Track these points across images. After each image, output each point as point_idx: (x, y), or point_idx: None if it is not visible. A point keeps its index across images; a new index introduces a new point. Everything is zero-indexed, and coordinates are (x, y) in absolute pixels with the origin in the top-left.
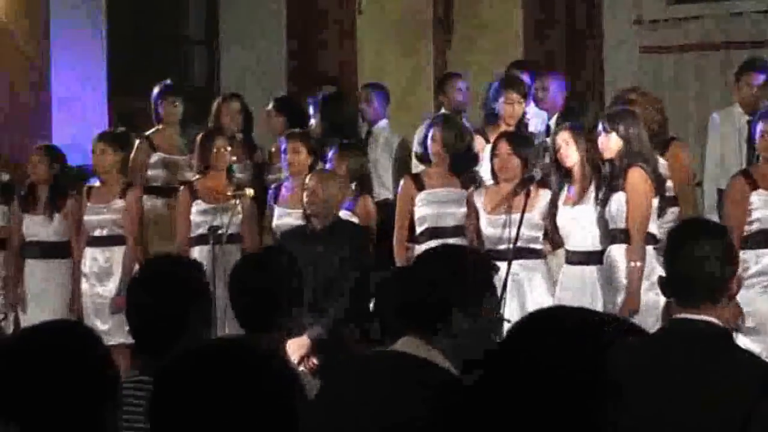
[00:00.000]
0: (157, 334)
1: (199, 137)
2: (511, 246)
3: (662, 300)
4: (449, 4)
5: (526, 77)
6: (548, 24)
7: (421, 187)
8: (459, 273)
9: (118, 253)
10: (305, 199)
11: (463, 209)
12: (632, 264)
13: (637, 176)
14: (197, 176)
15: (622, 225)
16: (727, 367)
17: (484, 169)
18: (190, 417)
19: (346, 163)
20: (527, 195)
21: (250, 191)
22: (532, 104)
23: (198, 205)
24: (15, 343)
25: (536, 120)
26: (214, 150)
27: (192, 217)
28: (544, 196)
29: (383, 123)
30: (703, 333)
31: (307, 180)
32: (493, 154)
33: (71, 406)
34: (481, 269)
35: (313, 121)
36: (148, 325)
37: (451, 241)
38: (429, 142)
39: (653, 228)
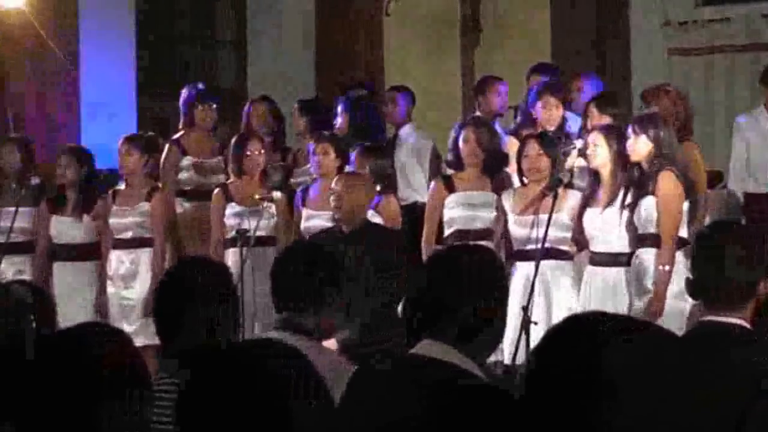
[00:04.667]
0: (159, 334)
1: (232, 140)
2: (539, 246)
3: (689, 307)
4: (477, 5)
5: (547, 80)
6: (576, 25)
7: (451, 189)
8: (454, 273)
9: (143, 255)
10: (332, 204)
11: (493, 213)
12: (661, 268)
13: (668, 180)
14: (232, 179)
15: (652, 229)
16: (722, 368)
17: (511, 171)
18: (184, 417)
19: (368, 164)
20: (555, 197)
21: (277, 194)
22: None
23: (232, 208)
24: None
25: (572, 123)
26: (247, 153)
27: (225, 219)
28: (573, 197)
29: (409, 126)
30: (728, 334)
31: (333, 184)
32: (523, 155)
33: (91, 406)
34: (486, 269)
35: (339, 120)
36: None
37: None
38: (461, 144)
39: (683, 232)
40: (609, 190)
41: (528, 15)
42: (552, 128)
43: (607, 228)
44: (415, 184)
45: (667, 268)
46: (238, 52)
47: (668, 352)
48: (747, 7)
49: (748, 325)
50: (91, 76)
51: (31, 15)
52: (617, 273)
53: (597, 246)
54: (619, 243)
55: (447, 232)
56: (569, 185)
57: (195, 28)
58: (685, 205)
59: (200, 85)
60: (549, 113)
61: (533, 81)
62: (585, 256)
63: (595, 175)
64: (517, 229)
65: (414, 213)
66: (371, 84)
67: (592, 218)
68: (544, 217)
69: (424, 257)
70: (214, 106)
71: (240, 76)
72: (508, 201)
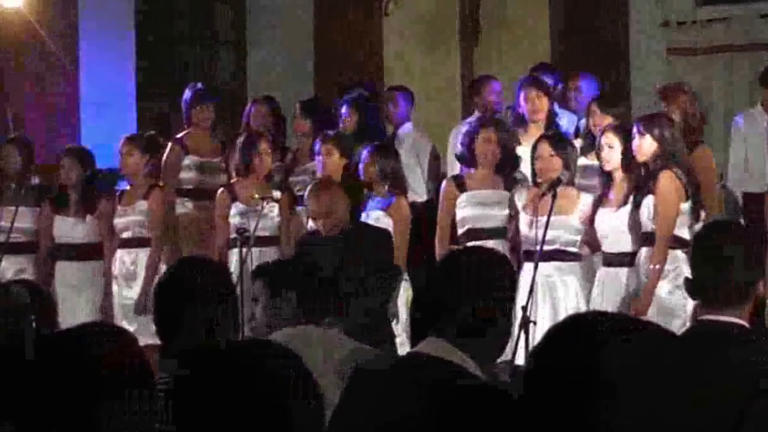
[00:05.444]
0: (158, 333)
1: (240, 140)
2: (538, 248)
3: (690, 303)
4: (476, 5)
5: (550, 79)
6: (575, 25)
7: (462, 189)
8: (453, 273)
9: (142, 255)
10: (316, 223)
11: (506, 211)
12: (651, 266)
13: (666, 180)
14: (236, 178)
15: (651, 228)
16: (721, 367)
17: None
18: (183, 416)
19: (375, 164)
20: (554, 197)
21: (277, 194)
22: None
23: (236, 207)
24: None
25: (565, 122)
26: (259, 153)
27: (230, 219)
28: (584, 199)
29: (408, 125)
30: (727, 334)
31: (307, 201)
32: (535, 156)
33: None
34: (485, 270)
35: (348, 120)
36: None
37: (491, 242)
38: (482, 143)
39: (683, 232)
40: (623, 190)
41: (527, 15)
42: (538, 120)
43: (620, 228)
44: (414, 184)
45: (657, 267)
46: (238, 53)
47: (667, 351)
48: (746, 7)
49: (746, 324)
50: (91, 77)
51: (31, 15)
52: (630, 273)
53: (610, 247)
54: (627, 243)
55: (460, 231)
56: (571, 184)
57: (194, 29)
58: (686, 206)
59: (199, 86)
60: (532, 105)
61: None
62: (598, 258)
63: (606, 175)
64: (525, 229)
65: (412, 213)
66: (371, 84)
67: (606, 219)
68: (543, 218)
69: (437, 256)
70: (211, 106)
71: (239, 76)
72: (520, 201)
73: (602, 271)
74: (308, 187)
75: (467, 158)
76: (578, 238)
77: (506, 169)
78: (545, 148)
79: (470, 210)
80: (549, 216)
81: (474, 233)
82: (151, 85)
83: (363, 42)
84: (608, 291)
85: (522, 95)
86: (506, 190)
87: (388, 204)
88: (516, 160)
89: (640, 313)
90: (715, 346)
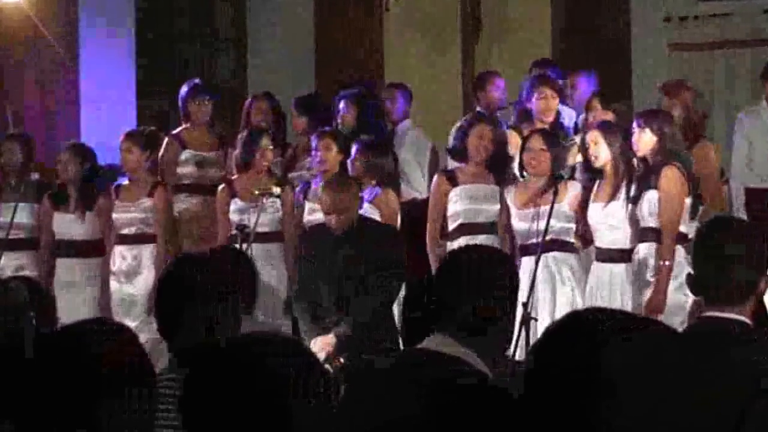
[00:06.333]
0: (159, 332)
1: (242, 135)
2: (540, 240)
3: (690, 300)
4: (477, 3)
5: (553, 74)
6: (576, 22)
7: (454, 183)
8: (454, 272)
9: (145, 251)
10: (326, 216)
11: (497, 206)
12: (661, 262)
13: (672, 175)
14: (236, 174)
15: (652, 223)
16: (722, 366)
17: (515, 165)
18: (183, 415)
19: (359, 160)
20: (555, 193)
21: (276, 189)
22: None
23: (235, 203)
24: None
25: (567, 119)
26: (261, 148)
27: (230, 216)
28: (573, 187)
29: (407, 123)
30: (729, 331)
31: (319, 191)
32: (525, 149)
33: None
34: (486, 269)
35: (347, 117)
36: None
37: (482, 237)
38: (474, 139)
39: (683, 227)
40: (611, 185)
41: (528, 13)
42: (547, 119)
43: (611, 222)
44: (413, 181)
45: (668, 263)
46: (238, 50)
47: (668, 350)
48: (748, 3)
49: (748, 321)
50: (91, 74)
51: (31, 11)
52: (620, 269)
53: (602, 241)
54: (623, 238)
55: (451, 226)
56: (571, 179)
57: (194, 26)
58: (687, 201)
59: (196, 80)
60: (546, 103)
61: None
62: (593, 252)
63: (596, 170)
64: (518, 223)
65: (412, 210)
66: (371, 82)
67: (596, 213)
68: (544, 210)
69: (429, 253)
70: (207, 100)
71: (239, 74)
72: (509, 195)
73: (595, 266)
74: (324, 182)
75: (459, 152)
76: (571, 225)
77: (497, 165)
78: (537, 142)
79: (462, 205)
80: (551, 211)
81: (466, 228)
82: (151, 83)
83: (363, 40)
84: (601, 287)
85: (535, 94)
86: (496, 185)
87: (374, 195)
88: (507, 158)
89: (655, 312)
90: (717, 344)
